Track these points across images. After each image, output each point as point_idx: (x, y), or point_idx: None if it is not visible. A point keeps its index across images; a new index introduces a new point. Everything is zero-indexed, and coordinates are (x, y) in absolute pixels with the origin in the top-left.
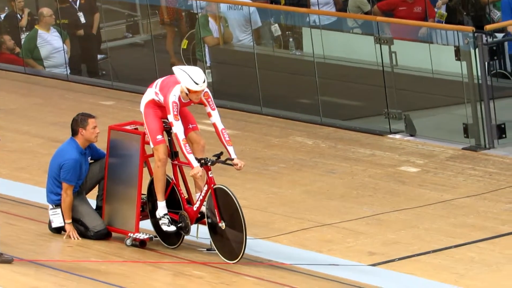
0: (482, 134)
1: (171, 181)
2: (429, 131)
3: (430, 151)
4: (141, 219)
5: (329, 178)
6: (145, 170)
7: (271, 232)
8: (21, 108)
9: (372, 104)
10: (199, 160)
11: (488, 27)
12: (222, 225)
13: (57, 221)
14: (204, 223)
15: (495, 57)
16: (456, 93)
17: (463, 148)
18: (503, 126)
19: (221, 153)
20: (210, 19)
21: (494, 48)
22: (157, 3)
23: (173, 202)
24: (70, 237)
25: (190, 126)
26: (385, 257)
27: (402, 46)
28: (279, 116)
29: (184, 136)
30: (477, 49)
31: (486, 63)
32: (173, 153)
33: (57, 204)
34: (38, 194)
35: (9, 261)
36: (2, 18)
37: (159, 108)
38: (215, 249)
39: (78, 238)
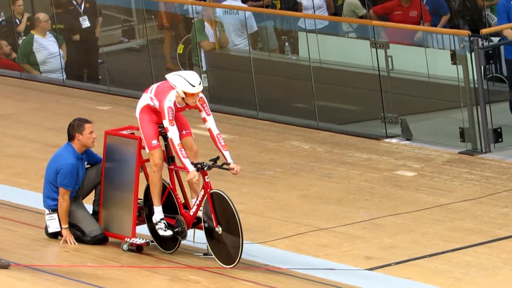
0: (478, 138)
1: (167, 186)
2: (425, 135)
3: (427, 155)
4: (138, 224)
5: (325, 183)
6: (142, 175)
7: (268, 237)
8: (18, 113)
9: (369, 109)
10: (195, 165)
11: (484, 31)
12: (219, 229)
13: (54, 226)
14: (200, 228)
15: (491, 61)
16: (452, 97)
17: (459, 152)
18: (499, 130)
19: (218, 157)
20: (206, 24)
21: (490, 52)
22: (153, 8)
23: (170, 207)
24: (66, 242)
25: (184, 132)
26: (382, 262)
27: (398, 50)
28: (276, 121)
29: (179, 141)
30: (473, 53)
31: (482, 67)
32: (169, 158)
33: (54, 209)
34: (35, 199)
35: (6, 266)
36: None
37: (155, 113)
38: (212, 253)
39: (75, 243)
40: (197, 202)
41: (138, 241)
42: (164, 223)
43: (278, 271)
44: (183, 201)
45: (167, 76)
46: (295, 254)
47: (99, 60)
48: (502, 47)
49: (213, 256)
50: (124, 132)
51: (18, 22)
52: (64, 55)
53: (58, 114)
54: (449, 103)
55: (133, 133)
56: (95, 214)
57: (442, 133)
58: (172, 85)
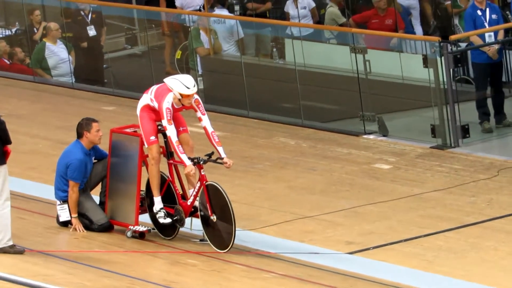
0: (448, 134)
1: (167, 178)
2: (400, 131)
3: (401, 150)
4: (140, 213)
5: (310, 175)
6: (144, 168)
7: (258, 224)
8: (31, 113)
9: (349, 108)
10: (192, 159)
11: (452, 37)
12: (214, 218)
13: (64, 216)
14: (197, 217)
15: (459, 65)
16: (424, 97)
17: (431, 147)
18: (467, 126)
19: (212, 153)
20: (201, 31)
21: (458, 56)
22: (153, 17)
23: (169, 198)
24: (76, 230)
25: (181, 128)
26: (361, 246)
27: (375, 55)
28: (264, 119)
29: (177, 139)
30: (443, 57)
31: (451, 70)
32: (168, 153)
33: (64, 200)
34: (47, 191)
35: (20, 252)
36: (14, 32)
37: (153, 112)
38: (207, 239)
39: (83, 231)
40: (194, 193)
41: (141, 228)
42: (163, 212)
43: (267, 255)
44: (181, 192)
45: (165, 80)
46: (283, 239)
47: (104, 65)
48: (469, 52)
49: (209, 241)
50: (128, 130)
51: (36, 31)
52: (73, 60)
53: (68, 114)
54: (421, 102)
55: (136, 131)
56: (102, 204)
57: (415, 129)
58: (169, 87)
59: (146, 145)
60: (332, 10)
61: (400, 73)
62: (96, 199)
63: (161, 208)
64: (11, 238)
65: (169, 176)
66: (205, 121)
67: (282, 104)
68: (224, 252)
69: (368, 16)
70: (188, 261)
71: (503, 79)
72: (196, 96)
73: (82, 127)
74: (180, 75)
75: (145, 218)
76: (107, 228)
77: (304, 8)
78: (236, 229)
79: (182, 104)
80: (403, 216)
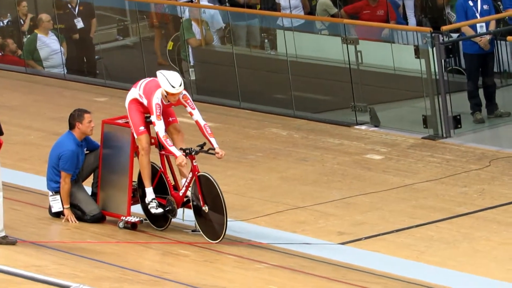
0: (439, 124)
1: (159, 169)
2: (391, 122)
3: (393, 140)
4: (132, 204)
5: (301, 166)
6: (136, 159)
7: (250, 215)
8: (23, 104)
9: (340, 98)
10: (184, 150)
11: (444, 28)
12: (206, 208)
13: (57, 207)
14: (189, 207)
15: (451, 55)
16: (416, 87)
17: (422, 138)
18: (458, 117)
19: (204, 143)
20: (193, 22)
21: (450, 47)
22: (145, 8)
23: (161, 188)
24: (68, 220)
25: (170, 119)
26: (353, 237)
27: (366, 45)
28: (256, 110)
29: (164, 133)
30: (434, 48)
31: (442, 61)
32: (160, 145)
33: (57, 191)
34: (39, 182)
35: (13, 242)
36: (5, 24)
37: (141, 104)
38: (199, 230)
39: (75, 222)
40: (186, 183)
41: (133, 219)
42: (155, 202)
43: (259, 246)
44: (173, 183)
45: (157, 72)
46: (275, 230)
47: (96, 56)
48: (460, 42)
49: (201, 232)
50: (120, 121)
51: (22, 22)
52: (65, 52)
53: (60, 105)
54: (413, 93)
55: (127, 122)
56: (94, 195)
57: (407, 120)
58: (159, 82)
59: (135, 136)
60: (324, 0)
61: (391, 64)
62: (88, 190)
63: (153, 199)
64: (3, 229)
65: (161, 167)
66: (196, 115)
67: (274, 95)
68: (216, 243)
69: (359, 7)
70: (180, 252)
71: (495, 69)
72: (184, 92)
73: (74, 118)
74: (168, 72)
75: (137, 208)
76: (99, 219)
77: None
78: (228, 219)
79: (169, 101)
80: (394, 206)
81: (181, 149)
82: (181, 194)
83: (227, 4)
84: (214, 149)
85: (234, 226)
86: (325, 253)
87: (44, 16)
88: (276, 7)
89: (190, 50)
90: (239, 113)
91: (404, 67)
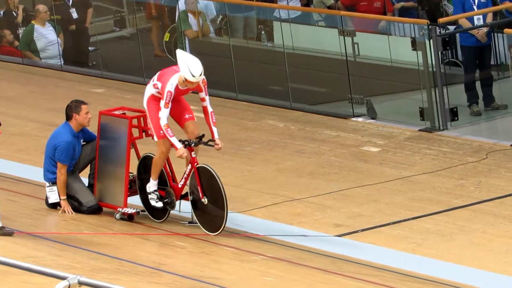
0: (436, 117)
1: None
2: (388, 114)
3: (390, 133)
4: (129, 195)
5: (298, 157)
6: (132, 150)
7: (247, 207)
8: (20, 95)
9: (337, 90)
10: (183, 142)
11: (441, 20)
12: (205, 200)
13: (53, 197)
14: (187, 199)
15: (448, 47)
16: (413, 80)
17: (419, 130)
18: (455, 109)
19: (203, 135)
20: (189, 14)
21: (447, 39)
22: None
23: (160, 180)
24: (65, 212)
25: (187, 116)
26: (349, 229)
27: (363, 37)
28: (253, 102)
29: (166, 122)
30: (431, 40)
31: (439, 53)
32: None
33: (53, 182)
34: (36, 173)
35: (10, 233)
36: (2, 15)
37: (159, 102)
38: (197, 222)
39: (72, 213)
40: (185, 175)
41: (130, 210)
42: (156, 194)
43: (256, 238)
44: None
45: (177, 51)
46: (272, 222)
47: (93, 48)
48: (457, 35)
49: (198, 224)
50: (117, 112)
51: (15, 14)
52: (61, 43)
53: (57, 96)
54: (410, 85)
55: (124, 113)
56: (90, 186)
57: (404, 112)
58: (178, 64)
59: (155, 139)
60: None
61: (388, 56)
62: (85, 181)
63: (155, 190)
64: (0, 220)
65: None
66: (207, 101)
67: (271, 86)
68: (214, 235)
69: None
70: (177, 243)
71: (492, 62)
72: (203, 76)
73: (71, 109)
74: (190, 58)
75: (134, 200)
76: (96, 210)
77: None
78: (228, 211)
79: (187, 86)
80: (391, 198)
81: (180, 140)
82: (180, 186)
83: None
84: (213, 140)
85: (231, 218)
86: (322, 245)
87: (41, 7)
88: None
89: (186, 42)
90: (236, 105)
91: (401, 59)
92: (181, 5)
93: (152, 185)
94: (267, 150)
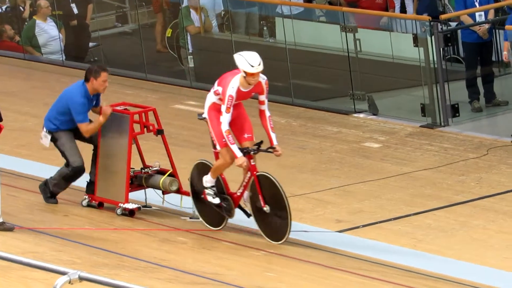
0: (437, 113)
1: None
2: (390, 110)
3: (391, 129)
4: (130, 191)
5: (300, 153)
6: (134, 146)
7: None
8: (21, 91)
9: (339, 87)
10: (241, 150)
11: (443, 16)
12: (267, 209)
13: (45, 142)
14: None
15: (449, 44)
16: (414, 76)
17: (420, 126)
18: (456, 105)
19: (261, 141)
20: (191, 10)
21: (449, 35)
22: None
23: (217, 187)
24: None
25: (246, 135)
26: (351, 225)
27: (365, 34)
28: (255, 98)
29: (228, 127)
30: (433, 37)
31: (441, 49)
32: (213, 143)
33: (50, 131)
34: (38, 169)
35: (10, 229)
36: (4, 10)
37: (221, 111)
38: (262, 233)
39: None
40: (244, 183)
41: (131, 206)
42: (214, 190)
43: (256, 233)
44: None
45: (234, 55)
46: None
47: (94, 43)
48: (459, 31)
49: (262, 234)
50: (118, 108)
51: (22, 10)
52: (63, 38)
53: (58, 92)
54: (411, 81)
55: (126, 109)
56: (92, 184)
57: (405, 108)
58: (236, 64)
59: (218, 148)
60: None
61: (390, 52)
62: (86, 177)
63: (213, 186)
64: (1, 215)
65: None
66: (266, 105)
67: (273, 82)
68: (279, 244)
69: None
70: (178, 239)
71: (493, 58)
72: (265, 78)
73: (91, 73)
74: (246, 52)
75: (135, 196)
76: (80, 171)
77: None
78: (292, 219)
79: (249, 84)
80: (392, 194)
81: (239, 149)
82: (238, 194)
83: None
84: (273, 147)
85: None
86: (323, 241)
87: (42, 2)
88: None
89: (188, 38)
90: None
91: (403, 55)
92: (184, 1)
93: (209, 181)
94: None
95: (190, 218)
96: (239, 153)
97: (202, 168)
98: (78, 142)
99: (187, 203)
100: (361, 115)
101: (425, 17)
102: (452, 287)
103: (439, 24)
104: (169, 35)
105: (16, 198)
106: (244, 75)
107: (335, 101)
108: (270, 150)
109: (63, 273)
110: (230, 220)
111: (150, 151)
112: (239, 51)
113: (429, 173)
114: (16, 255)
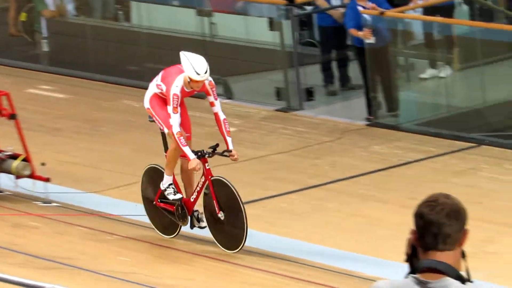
0: (292, 96)
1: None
2: (245, 94)
3: (246, 112)
4: None
5: (156, 137)
6: None
7: (101, 187)
8: None
9: None
10: (195, 153)
11: (298, 0)
12: (221, 215)
13: None
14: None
15: (305, 28)
16: (270, 60)
17: (276, 110)
18: (311, 89)
19: (217, 144)
20: None
21: (304, 19)
22: None
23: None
24: None
25: (185, 135)
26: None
27: (221, 18)
28: (110, 82)
29: (179, 129)
30: (288, 21)
31: (296, 33)
32: (166, 147)
33: None
34: None
35: None
36: None
37: (163, 100)
38: (215, 241)
39: None
40: (198, 189)
41: None
42: (173, 188)
43: (110, 218)
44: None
45: (180, 53)
46: (126, 202)
47: None
48: (315, 15)
49: (216, 242)
50: None
51: None
52: None
53: None
54: (267, 65)
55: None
56: None
57: (261, 92)
58: (182, 65)
59: (166, 130)
60: None
61: (246, 36)
62: None
63: (170, 184)
64: None
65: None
66: (217, 107)
67: (128, 66)
68: (234, 253)
69: None
70: (30, 224)
71: (348, 42)
72: (210, 79)
73: None
74: (193, 56)
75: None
76: None
77: None
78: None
79: (192, 87)
80: (247, 178)
81: (192, 151)
82: (192, 200)
83: None
84: (229, 151)
85: (85, 198)
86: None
87: None
88: None
89: (43, 22)
90: (92, 85)
91: (259, 39)
92: None
93: (166, 181)
94: (124, 131)
95: (43, 202)
96: (192, 155)
97: (154, 173)
98: None
99: (40, 188)
100: None
101: (281, 0)
102: (300, 269)
103: (294, 8)
104: (24, 19)
105: None
106: (189, 80)
107: None
108: (226, 153)
109: None
110: (85, 205)
111: (3, 135)
112: (184, 51)
113: (284, 157)
114: None
